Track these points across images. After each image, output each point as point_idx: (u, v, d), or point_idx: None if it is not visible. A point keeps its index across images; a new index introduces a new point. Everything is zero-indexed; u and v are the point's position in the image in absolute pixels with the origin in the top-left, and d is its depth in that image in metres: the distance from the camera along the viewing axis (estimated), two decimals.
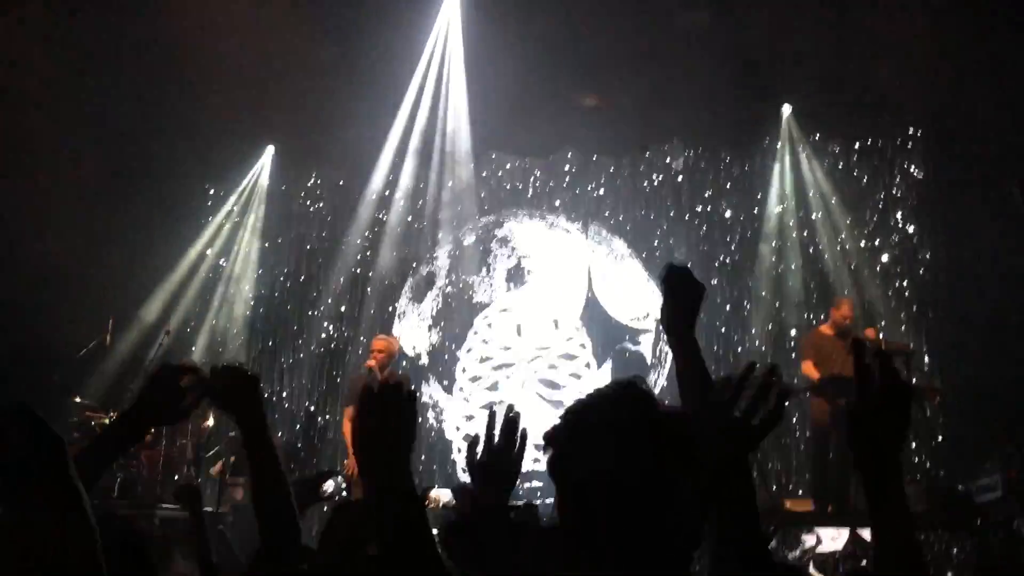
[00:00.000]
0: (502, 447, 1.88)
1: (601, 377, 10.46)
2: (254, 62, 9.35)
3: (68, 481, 1.36)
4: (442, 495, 4.33)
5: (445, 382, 10.90)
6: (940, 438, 8.97)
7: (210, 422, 8.81)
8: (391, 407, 1.46)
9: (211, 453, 8.43)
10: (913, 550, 1.47)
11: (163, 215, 10.90)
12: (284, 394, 11.02)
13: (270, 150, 11.80)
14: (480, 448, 1.89)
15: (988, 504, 6.90)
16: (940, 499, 7.00)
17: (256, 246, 11.70)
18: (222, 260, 11.64)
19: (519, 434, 1.90)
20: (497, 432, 1.88)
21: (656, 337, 10.51)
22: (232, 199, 11.75)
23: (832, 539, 6.69)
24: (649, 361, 10.57)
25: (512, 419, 1.89)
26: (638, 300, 10.83)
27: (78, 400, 8.54)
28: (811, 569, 6.50)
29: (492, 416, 1.82)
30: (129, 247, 10.54)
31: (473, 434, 1.90)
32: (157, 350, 9.30)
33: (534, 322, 10.95)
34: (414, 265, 11.34)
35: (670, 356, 10.02)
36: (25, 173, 9.13)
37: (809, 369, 7.81)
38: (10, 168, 9.11)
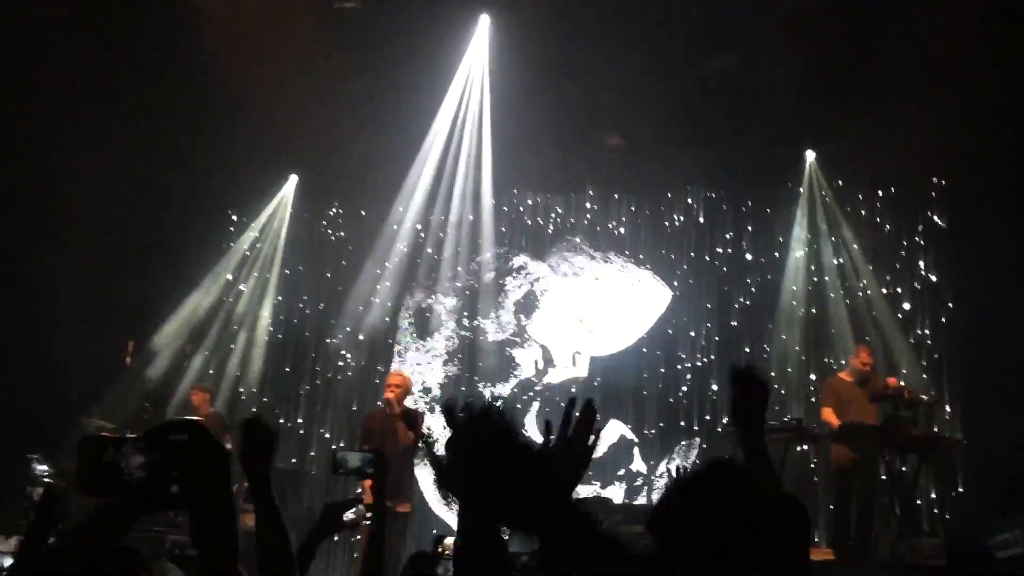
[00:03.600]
0: (577, 436, 1.80)
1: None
2: (282, 92, 9.47)
3: (230, 495, 1.43)
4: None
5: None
6: (960, 490, 8.83)
7: (228, 446, 8.78)
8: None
9: None
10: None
11: (186, 238, 11.00)
12: (299, 420, 11.01)
13: (294, 179, 11.90)
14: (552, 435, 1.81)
15: (1009, 560, 6.76)
16: (959, 554, 6.87)
17: (277, 272, 11.76)
18: (242, 285, 11.71)
19: (595, 425, 1.84)
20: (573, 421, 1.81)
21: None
22: (255, 225, 11.84)
23: None
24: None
25: (591, 409, 1.83)
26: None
27: (94, 421, 8.57)
28: None
29: (572, 403, 1.77)
30: (152, 269, 10.64)
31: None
32: (175, 372, 9.35)
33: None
34: (429, 299, 11.36)
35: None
36: (49, 194, 9.25)
37: (829, 416, 7.74)
38: (34, 188, 9.23)
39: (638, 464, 10.39)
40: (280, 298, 11.67)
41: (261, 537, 2.02)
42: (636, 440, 10.49)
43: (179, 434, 1.47)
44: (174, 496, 1.45)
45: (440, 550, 4.12)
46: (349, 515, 3.23)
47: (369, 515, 3.26)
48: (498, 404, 1.63)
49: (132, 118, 9.56)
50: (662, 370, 10.63)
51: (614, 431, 10.46)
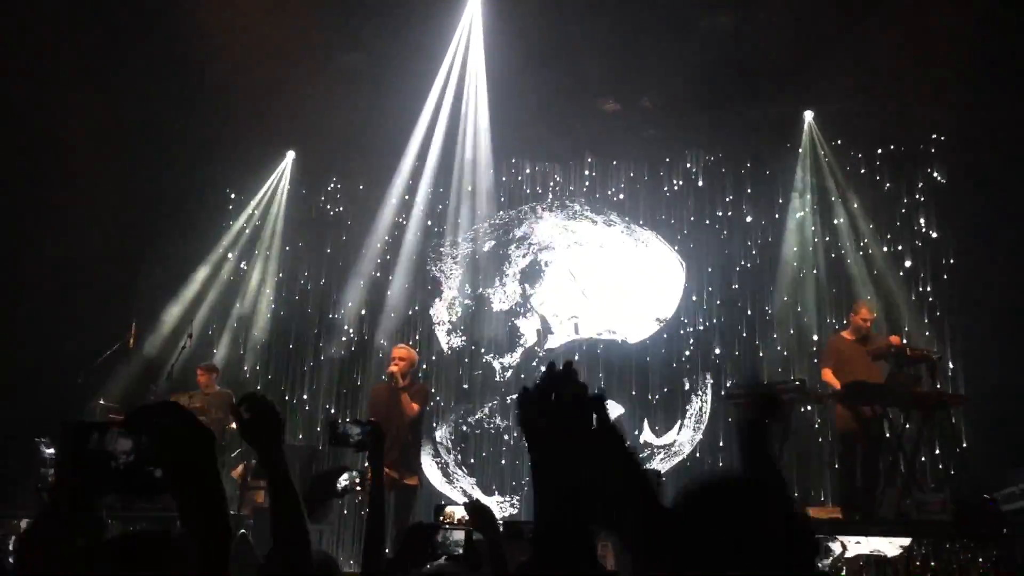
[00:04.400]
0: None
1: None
2: (275, 68, 9.41)
3: (217, 476, 1.42)
4: (456, 511, 4.25)
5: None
6: (964, 446, 8.87)
7: (233, 425, 8.84)
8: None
9: (235, 454, 8.46)
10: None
11: (185, 219, 10.99)
12: (305, 396, 11.07)
13: (290, 155, 11.86)
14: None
15: (1014, 513, 6.81)
16: (965, 508, 6.91)
17: (277, 250, 11.75)
18: (243, 264, 11.71)
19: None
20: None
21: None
22: (253, 204, 11.81)
23: (856, 543, 6.63)
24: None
25: (571, 368, 1.70)
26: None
27: (101, 403, 8.62)
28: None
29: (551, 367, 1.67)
30: (152, 251, 10.64)
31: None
32: (179, 353, 9.37)
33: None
34: (431, 270, 11.36)
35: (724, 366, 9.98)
36: (48, 178, 9.25)
37: (829, 376, 7.75)
38: (34, 171, 9.22)
39: (647, 434, 10.39)
40: (281, 275, 11.67)
41: (275, 512, 2.04)
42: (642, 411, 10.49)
43: (160, 418, 1.45)
44: (159, 481, 1.43)
45: (441, 519, 4.14)
46: (343, 481, 3.26)
47: (359, 481, 3.27)
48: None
49: (129, 100, 9.55)
50: (664, 335, 10.64)
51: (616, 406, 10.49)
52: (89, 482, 1.54)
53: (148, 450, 1.41)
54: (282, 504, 2.01)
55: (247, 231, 11.78)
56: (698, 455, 10.13)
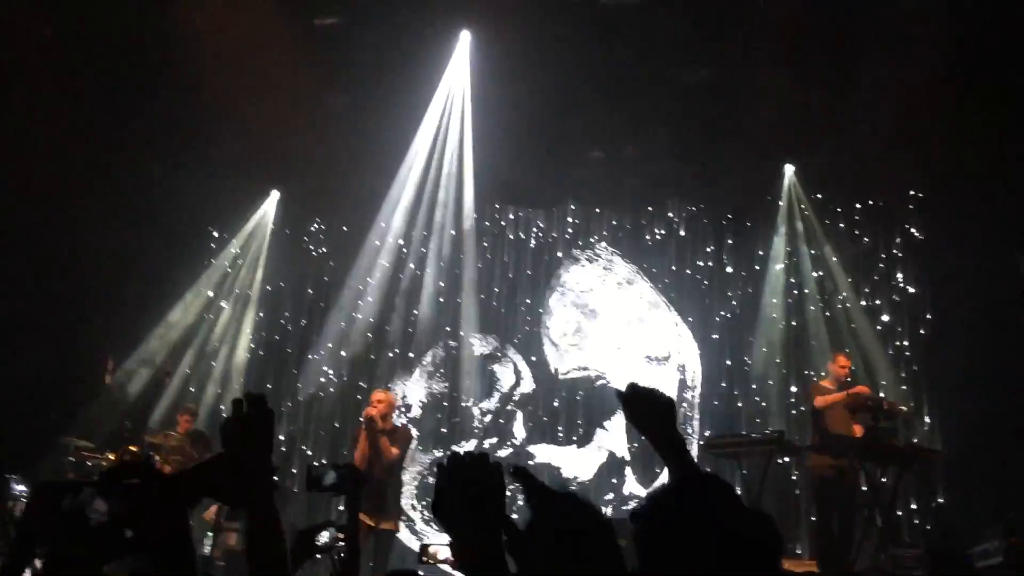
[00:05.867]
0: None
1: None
2: (263, 108, 9.46)
3: (187, 533, 1.48)
4: (439, 551, 4.20)
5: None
6: (940, 501, 8.89)
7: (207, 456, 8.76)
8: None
9: None
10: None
11: (166, 255, 10.95)
12: (281, 437, 10.95)
13: (275, 195, 11.89)
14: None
15: (988, 570, 6.81)
16: (940, 563, 6.91)
17: (257, 288, 11.72)
18: (223, 302, 11.66)
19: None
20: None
21: (679, 389, 10.49)
22: (236, 242, 11.81)
23: None
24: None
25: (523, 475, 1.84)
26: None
27: (74, 439, 8.51)
28: None
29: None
30: (132, 286, 10.58)
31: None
32: (158, 391, 9.29)
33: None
34: (412, 315, 11.36)
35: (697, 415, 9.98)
36: (25, 205, 9.16)
37: (825, 399, 7.76)
38: (9, 199, 9.15)
39: (631, 485, 10.34)
40: (261, 314, 11.62)
41: (253, 542, 1.95)
42: (627, 459, 10.46)
43: (131, 477, 1.44)
44: (130, 540, 1.42)
45: (425, 559, 4.09)
46: (323, 538, 3.19)
47: (342, 536, 3.21)
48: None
49: (112, 133, 9.54)
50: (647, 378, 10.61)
51: (600, 451, 10.46)
52: (93, 549, 1.53)
53: (122, 511, 1.41)
54: (261, 537, 1.92)
55: (230, 270, 11.75)
56: None
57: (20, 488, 7.28)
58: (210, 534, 8.22)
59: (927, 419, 9.36)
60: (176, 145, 10.13)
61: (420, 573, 3.05)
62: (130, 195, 10.10)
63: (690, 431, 10.32)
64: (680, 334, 10.77)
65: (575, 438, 10.58)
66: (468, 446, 10.66)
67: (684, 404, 10.44)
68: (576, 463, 10.45)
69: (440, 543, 4.04)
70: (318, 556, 3.21)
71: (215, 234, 11.82)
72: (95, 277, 9.93)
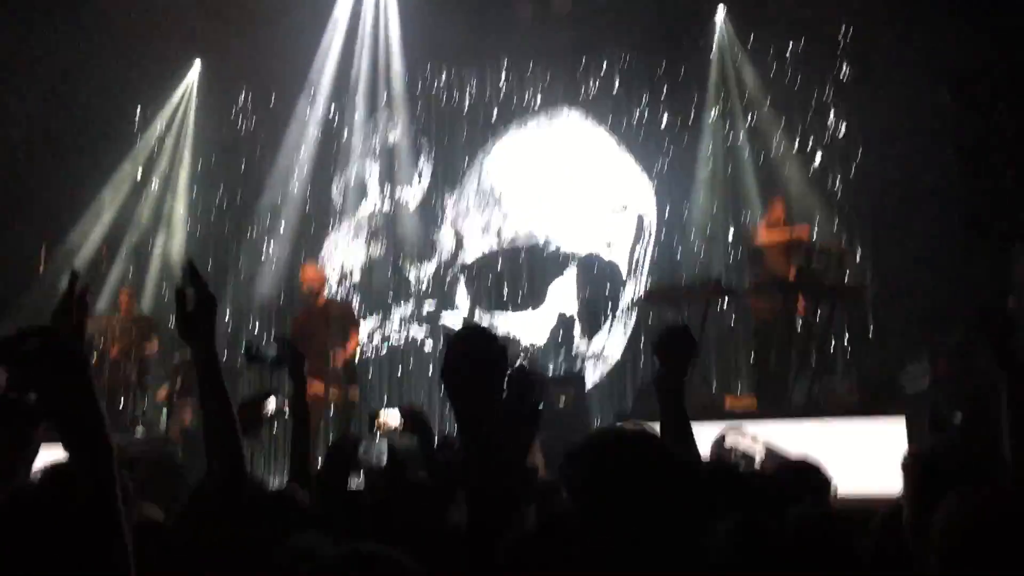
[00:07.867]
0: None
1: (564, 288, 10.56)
2: None
3: (94, 400, 1.42)
4: (390, 418, 4.18)
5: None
6: (870, 335, 9.27)
7: (154, 346, 8.77)
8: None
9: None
10: None
11: (92, 134, 10.54)
12: (227, 319, 10.89)
13: (198, 64, 11.42)
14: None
15: (916, 395, 7.22)
16: (870, 391, 7.32)
17: (188, 166, 11.42)
18: (154, 181, 11.36)
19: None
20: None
21: (635, 240, 10.57)
22: (161, 115, 11.40)
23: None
24: (624, 271, 10.63)
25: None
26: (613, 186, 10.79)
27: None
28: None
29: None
30: (59, 170, 10.21)
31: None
32: (96, 276, 9.15)
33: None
34: (346, 183, 11.22)
35: (647, 264, 10.16)
36: None
37: (766, 235, 8.07)
38: None
39: (576, 342, 10.53)
40: (195, 194, 11.38)
41: (209, 421, 2.00)
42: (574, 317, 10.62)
43: (32, 342, 1.37)
44: (33, 407, 1.38)
45: (375, 428, 4.08)
46: (270, 405, 3.21)
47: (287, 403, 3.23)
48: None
49: (23, 14, 9.02)
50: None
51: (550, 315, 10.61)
52: None
53: (21, 377, 1.36)
54: (215, 410, 1.96)
55: (157, 146, 11.40)
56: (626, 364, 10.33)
57: None
58: (164, 410, 8.32)
59: (859, 258, 9.62)
60: (92, 14, 9.60)
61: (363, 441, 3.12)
62: (47, 77, 9.62)
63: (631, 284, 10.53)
64: (638, 184, 10.78)
65: (526, 303, 10.69)
66: (407, 308, 10.79)
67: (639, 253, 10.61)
68: (529, 329, 10.59)
69: (392, 408, 4.06)
70: (264, 424, 3.25)
71: (139, 108, 11.35)
72: (22, 162, 9.59)
